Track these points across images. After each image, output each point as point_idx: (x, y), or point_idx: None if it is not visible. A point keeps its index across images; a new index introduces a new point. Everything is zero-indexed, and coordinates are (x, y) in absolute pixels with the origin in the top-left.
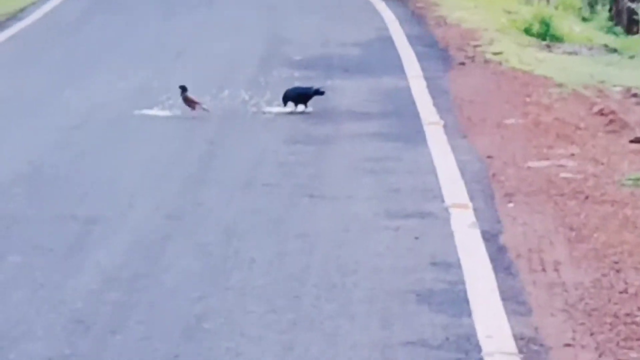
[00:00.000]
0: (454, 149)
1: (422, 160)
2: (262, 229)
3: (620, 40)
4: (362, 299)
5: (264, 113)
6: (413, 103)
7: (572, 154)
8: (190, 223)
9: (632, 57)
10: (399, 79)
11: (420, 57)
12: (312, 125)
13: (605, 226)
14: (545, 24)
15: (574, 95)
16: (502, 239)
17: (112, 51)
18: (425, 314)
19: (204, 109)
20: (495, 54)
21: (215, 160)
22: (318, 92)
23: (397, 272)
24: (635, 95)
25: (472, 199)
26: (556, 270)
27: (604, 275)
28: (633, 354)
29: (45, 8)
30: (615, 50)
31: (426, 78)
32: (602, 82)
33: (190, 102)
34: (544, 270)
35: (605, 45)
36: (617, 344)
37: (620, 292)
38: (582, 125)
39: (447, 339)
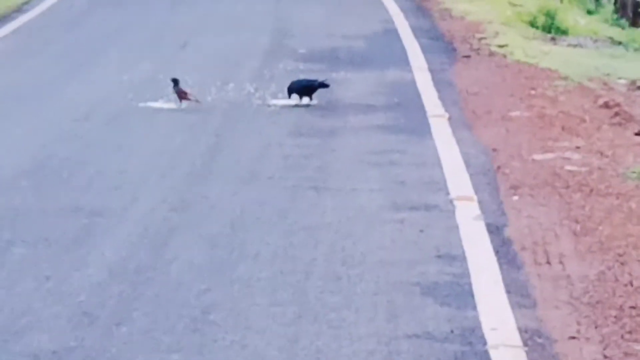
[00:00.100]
0: (459, 141)
1: (427, 152)
2: (267, 222)
3: (625, 33)
4: (367, 292)
5: (269, 106)
6: (418, 96)
7: (577, 147)
8: (195, 215)
9: (637, 49)
10: (404, 72)
11: (425, 50)
12: (317, 117)
13: (610, 219)
14: (550, 16)
15: (579, 88)
16: (507, 232)
17: (117, 43)
18: (430, 306)
19: (196, 101)
20: (500, 46)
21: (221, 153)
22: (323, 85)
23: (402, 264)
24: None
25: (477, 191)
26: (561, 262)
27: (608, 268)
28: (638, 347)
29: (50, 1)
30: (620, 43)
31: (431, 71)
32: (607, 74)
33: (182, 95)
34: (548, 262)
35: (611, 38)
36: (622, 336)
37: (625, 285)
38: (587, 117)
39: (452, 331)
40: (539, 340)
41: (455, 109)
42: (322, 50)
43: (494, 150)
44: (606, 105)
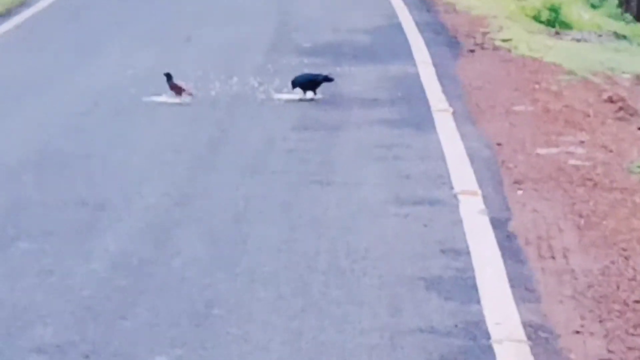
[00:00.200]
0: (463, 135)
1: (431, 147)
2: (271, 215)
3: (629, 27)
4: (370, 286)
5: (273, 100)
6: (422, 90)
7: (581, 141)
8: (199, 209)
9: None
10: (408, 66)
11: (429, 44)
12: (321, 111)
13: (614, 213)
14: (555, 11)
15: (583, 82)
16: (511, 226)
17: (120, 38)
18: (434, 300)
19: (189, 94)
20: (504, 40)
21: (224, 147)
22: (327, 79)
23: (406, 258)
24: None
25: (481, 185)
26: (565, 257)
27: (612, 262)
28: None
29: None
30: (624, 37)
31: (435, 65)
32: (612, 69)
33: (176, 89)
34: (552, 257)
35: (615, 32)
36: (626, 331)
37: (629, 279)
38: (591, 112)
39: (456, 325)
40: (543, 335)
41: (459, 103)
42: (326, 44)
43: (498, 144)
44: (610, 100)
